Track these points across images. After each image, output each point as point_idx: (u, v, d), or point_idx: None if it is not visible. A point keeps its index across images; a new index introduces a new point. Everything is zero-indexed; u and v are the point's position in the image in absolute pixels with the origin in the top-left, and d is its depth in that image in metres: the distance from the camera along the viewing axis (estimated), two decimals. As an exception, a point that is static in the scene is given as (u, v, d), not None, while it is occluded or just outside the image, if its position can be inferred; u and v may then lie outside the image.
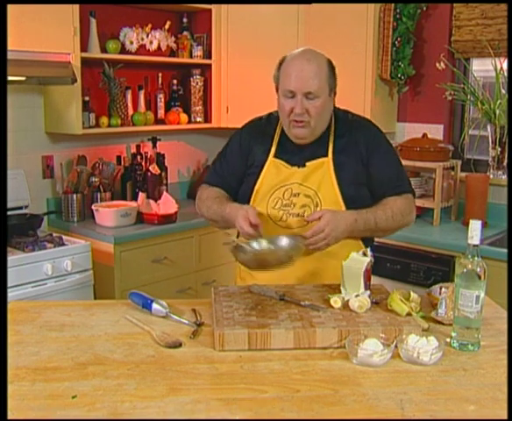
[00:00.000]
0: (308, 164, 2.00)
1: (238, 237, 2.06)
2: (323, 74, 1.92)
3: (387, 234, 2.08)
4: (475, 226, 1.52)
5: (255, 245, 1.85)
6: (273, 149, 2.04)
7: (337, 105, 2.08)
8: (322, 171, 1.98)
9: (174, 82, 3.98)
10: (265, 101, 2.31)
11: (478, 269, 1.53)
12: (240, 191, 2.09)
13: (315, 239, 1.84)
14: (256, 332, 1.53)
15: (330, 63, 1.97)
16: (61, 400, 1.29)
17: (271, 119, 2.10)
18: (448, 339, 1.59)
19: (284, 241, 1.86)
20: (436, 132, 3.64)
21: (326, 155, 1.99)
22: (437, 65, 3.43)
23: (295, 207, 1.98)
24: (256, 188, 2.03)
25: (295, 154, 2.01)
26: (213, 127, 3.96)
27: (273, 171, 2.02)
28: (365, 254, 1.79)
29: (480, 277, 1.54)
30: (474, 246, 1.53)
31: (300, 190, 1.99)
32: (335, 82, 1.98)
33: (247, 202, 2.04)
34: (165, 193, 3.66)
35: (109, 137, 3.73)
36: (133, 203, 3.50)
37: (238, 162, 2.10)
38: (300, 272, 1.95)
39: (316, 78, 1.90)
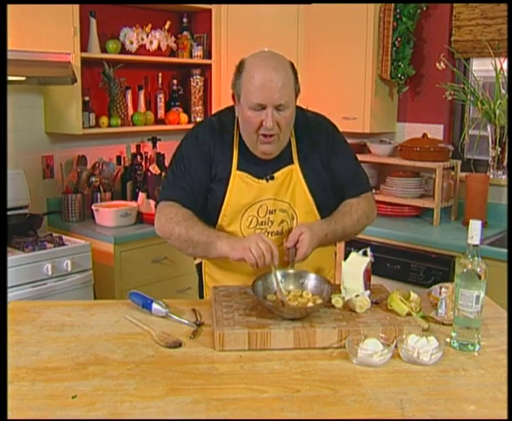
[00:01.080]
0: (276, 175, 1.88)
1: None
2: (290, 82, 1.79)
3: (352, 237, 2.04)
4: (475, 226, 1.52)
5: (280, 276, 1.72)
6: (234, 160, 1.88)
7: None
8: (292, 181, 1.90)
9: (174, 82, 3.99)
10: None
11: (478, 269, 1.53)
12: (204, 210, 1.92)
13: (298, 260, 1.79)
14: (256, 332, 1.53)
15: (293, 67, 1.83)
16: (61, 400, 1.29)
17: (224, 123, 1.92)
18: (448, 339, 1.58)
19: (311, 284, 1.74)
20: (436, 132, 3.63)
21: (292, 162, 1.90)
22: (437, 65, 3.43)
23: (274, 224, 1.90)
24: (224, 206, 1.88)
25: (259, 165, 1.88)
26: (213, 127, 3.96)
27: (242, 186, 1.88)
28: (365, 254, 1.79)
29: (480, 277, 1.54)
30: (474, 246, 1.53)
31: (275, 206, 1.89)
32: (299, 87, 1.84)
33: (215, 221, 1.89)
34: (165, 193, 3.66)
35: (109, 137, 3.72)
36: (133, 203, 3.50)
37: (202, 172, 1.89)
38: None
39: (286, 88, 1.76)
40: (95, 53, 3.45)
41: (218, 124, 1.94)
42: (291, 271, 1.77)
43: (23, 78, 3.09)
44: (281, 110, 1.77)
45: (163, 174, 3.83)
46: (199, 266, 2.08)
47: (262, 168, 1.89)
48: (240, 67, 1.82)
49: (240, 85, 1.80)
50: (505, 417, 1.25)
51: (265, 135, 1.80)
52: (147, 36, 3.64)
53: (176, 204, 1.89)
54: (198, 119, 4.00)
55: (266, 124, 1.76)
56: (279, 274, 1.72)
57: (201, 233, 1.82)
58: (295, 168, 1.90)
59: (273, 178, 1.89)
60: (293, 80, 1.80)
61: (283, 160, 1.89)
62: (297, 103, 1.88)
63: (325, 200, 1.94)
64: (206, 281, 2.05)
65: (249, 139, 1.85)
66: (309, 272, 1.78)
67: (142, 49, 3.63)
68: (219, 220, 1.90)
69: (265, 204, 1.89)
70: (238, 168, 1.88)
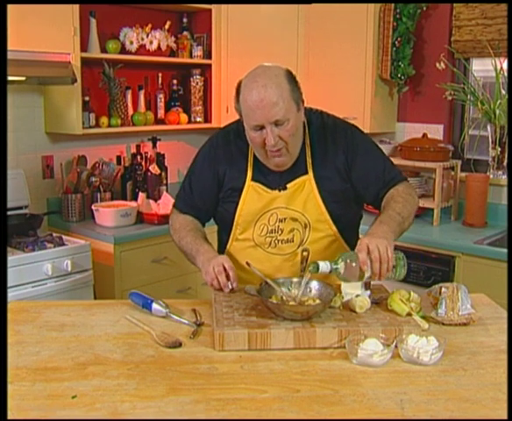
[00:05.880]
0: (289, 186, 1.89)
1: None
2: (285, 93, 1.74)
3: (410, 221, 1.90)
4: None
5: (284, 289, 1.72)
6: (249, 172, 1.91)
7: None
8: (305, 191, 1.89)
9: (174, 82, 3.98)
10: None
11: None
12: (218, 219, 2.02)
13: (375, 267, 1.65)
14: (256, 332, 1.53)
15: (288, 75, 1.78)
16: (61, 400, 1.29)
17: (240, 132, 1.90)
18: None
19: (316, 290, 1.73)
20: (436, 132, 3.64)
21: (306, 172, 1.89)
22: (437, 65, 3.43)
23: (283, 233, 1.90)
24: (236, 216, 1.92)
25: (273, 175, 1.89)
26: (213, 127, 3.95)
27: (254, 196, 1.90)
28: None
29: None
30: None
31: (286, 215, 1.89)
32: (300, 94, 1.80)
33: (229, 230, 1.95)
34: (165, 193, 3.66)
35: (109, 137, 3.73)
36: (133, 203, 3.50)
37: (209, 184, 1.96)
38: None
39: (279, 102, 1.72)
40: (95, 53, 3.45)
41: (235, 133, 1.95)
42: (295, 279, 1.76)
43: (23, 78, 3.09)
44: (281, 125, 1.76)
45: (163, 174, 3.84)
46: None
47: (276, 179, 1.90)
48: (238, 90, 1.82)
49: (240, 108, 1.82)
50: (505, 417, 1.25)
51: (272, 151, 1.80)
52: (147, 36, 3.63)
53: (178, 212, 2.05)
54: (198, 119, 4.00)
55: (268, 142, 1.77)
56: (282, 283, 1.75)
57: (188, 246, 1.94)
58: (308, 179, 1.89)
59: (285, 188, 1.89)
60: (288, 90, 1.75)
61: (297, 170, 1.89)
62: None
63: (340, 209, 1.91)
64: None
65: (260, 156, 1.87)
66: (314, 279, 1.76)
67: (142, 49, 3.63)
68: (233, 229, 1.95)
69: (275, 212, 1.90)
70: (253, 179, 1.91)
